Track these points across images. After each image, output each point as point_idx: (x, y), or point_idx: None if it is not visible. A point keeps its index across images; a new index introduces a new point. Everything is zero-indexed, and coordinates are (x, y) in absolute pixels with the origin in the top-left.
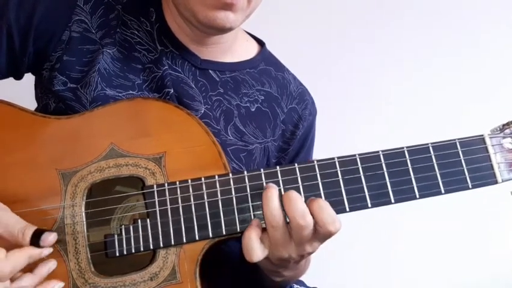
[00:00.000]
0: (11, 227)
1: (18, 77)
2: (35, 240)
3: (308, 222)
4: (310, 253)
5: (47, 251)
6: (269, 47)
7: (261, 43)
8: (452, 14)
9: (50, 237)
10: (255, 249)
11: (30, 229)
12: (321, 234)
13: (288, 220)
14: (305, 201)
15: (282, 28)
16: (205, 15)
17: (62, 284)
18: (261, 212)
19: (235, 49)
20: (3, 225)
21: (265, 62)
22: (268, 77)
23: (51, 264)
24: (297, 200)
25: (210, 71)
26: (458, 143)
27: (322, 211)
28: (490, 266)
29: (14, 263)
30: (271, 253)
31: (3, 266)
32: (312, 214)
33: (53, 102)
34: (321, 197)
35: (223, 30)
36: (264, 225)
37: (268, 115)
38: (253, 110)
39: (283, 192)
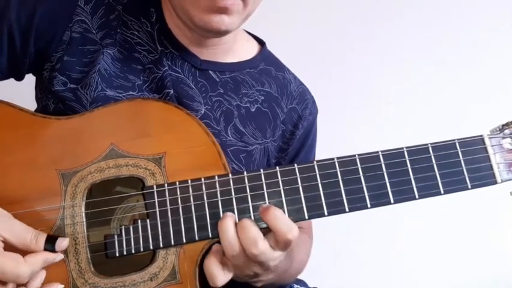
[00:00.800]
0: (23, 235)
1: (19, 77)
2: (48, 247)
3: (261, 250)
4: (275, 264)
5: (60, 257)
6: (269, 46)
7: (261, 43)
8: (452, 13)
9: (64, 243)
10: (217, 275)
11: (43, 236)
12: (281, 243)
13: None
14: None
15: (282, 28)
16: (200, 19)
17: (61, 286)
18: None
19: (236, 49)
20: (15, 235)
21: (265, 62)
22: (268, 76)
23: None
24: (249, 228)
25: (210, 71)
26: (457, 144)
27: (278, 221)
28: (490, 266)
29: (33, 266)
30: (236, 274)
31: (24, 268)
32: (268, 224)
33: (53, 103)
34: (320, 197)
35: (219, 33)
36: None
37: (268, 115)
38: (253, 110)
39: (283, 193)
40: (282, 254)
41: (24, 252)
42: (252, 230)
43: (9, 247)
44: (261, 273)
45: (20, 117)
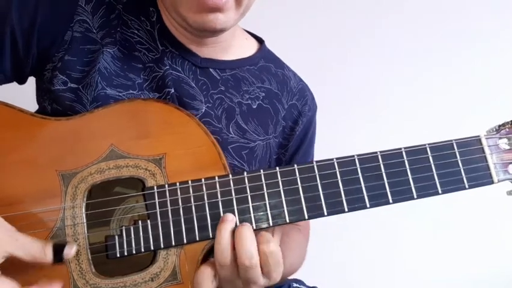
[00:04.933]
0: (30, 248)
1: (22, 80)
2: (56, 257)
3: (253, 264)
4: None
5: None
6: (269, 45)
7: (260, 41)
8: (453, 13)
9: (72, 250)
10: (204, 285)
11: (49, 246)
12: (265, 274)
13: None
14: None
15: (282, 26)
16: (194, 20)
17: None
18: (261, 213)
19: (235, 47)
20: (21, 248)
21: (264, 59)
22: (268, 73)
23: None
24: (246, 239)
25: (211, 69)
26: (455, 144)
27: (271, 258)
28: (489, 265)
29: None
30: (220, 287)
31: None
32: (260, 256)
33: (48, 104)
34: (320, 198)
35: (214, 32)
36: None
37: (269, 112)
38: (254, 107)
39: (283, 193)
40: (267, 282)
41: (31, 265)
42: (250, 243)
43: (8, 263)
44: None
45: (19, 118)
